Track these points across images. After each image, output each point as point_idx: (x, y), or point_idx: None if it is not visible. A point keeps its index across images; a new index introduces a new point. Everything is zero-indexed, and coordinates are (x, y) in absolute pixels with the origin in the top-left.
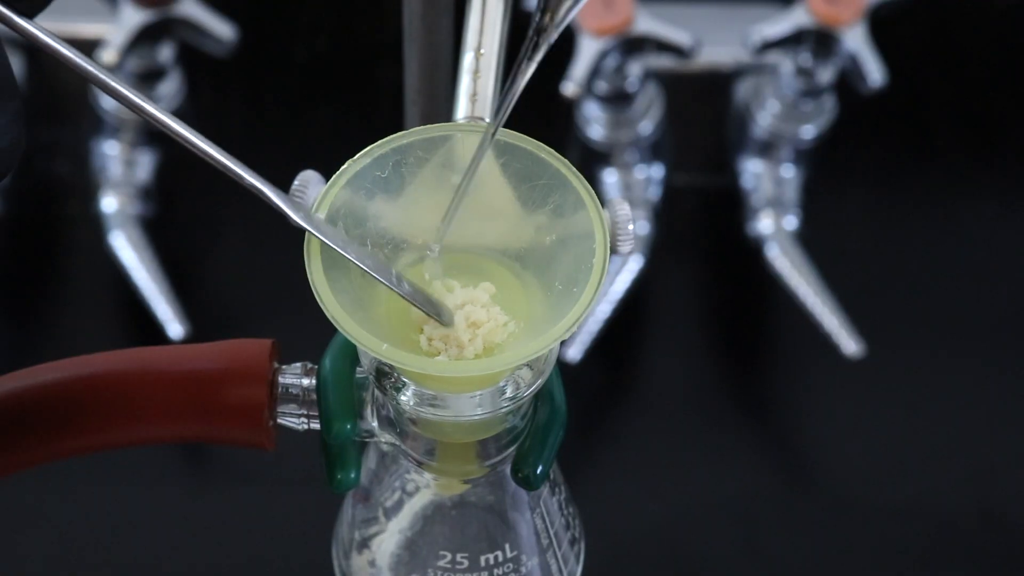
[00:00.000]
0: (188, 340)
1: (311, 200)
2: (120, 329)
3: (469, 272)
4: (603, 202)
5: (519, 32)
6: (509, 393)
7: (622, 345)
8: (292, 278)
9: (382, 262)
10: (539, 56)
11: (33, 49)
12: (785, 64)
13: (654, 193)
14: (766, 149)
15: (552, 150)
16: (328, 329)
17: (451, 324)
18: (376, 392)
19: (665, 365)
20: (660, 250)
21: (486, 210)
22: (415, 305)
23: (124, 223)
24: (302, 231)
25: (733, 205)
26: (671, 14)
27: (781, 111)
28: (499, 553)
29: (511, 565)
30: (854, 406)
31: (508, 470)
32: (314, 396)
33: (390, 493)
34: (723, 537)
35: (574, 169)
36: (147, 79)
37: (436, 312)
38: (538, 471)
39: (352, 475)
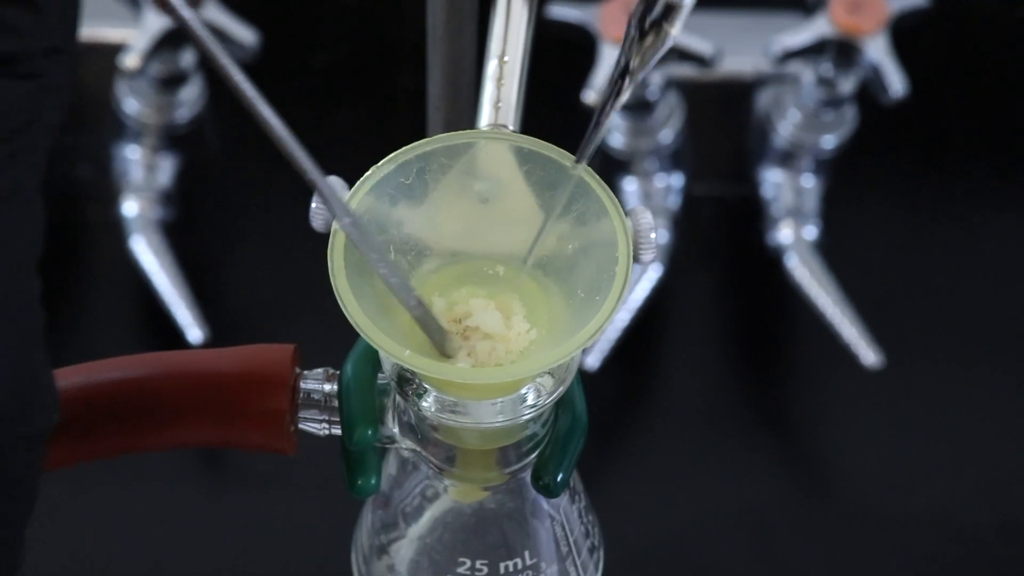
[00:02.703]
0: (207, 345)
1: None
2: (140, 333)
3: (491, 280)
4: (624, 211)
5: (543, 39)
6: (530, 400)
7: (640, 353)
8: (312, 283)
9: (405, 277)
10: (624, 98)
11: None
12: (806, 74)
13: (674, 202)
14: (786, 159)
15: (575, 158)
16: (348, 334)
17: (452, 356)
18: (397, 398)
19: (683, 374)
20: (679, 259)
21: (510, 218)
22: (422, 328)
23: (145, 227)
24: (321, 236)
25: (753, 215)
26: (692, 23)
27: (802, 121)
28: (518, 560)
29: (530, 572)
30: (872, 417)
31: (528, 477)
32: (335, 402)
33: (410, 499)
34: (740, 547)
35: (597, 177)
36: (169, 84)
37: (441, 342)
38: (559, 479)
39: (372, 481)
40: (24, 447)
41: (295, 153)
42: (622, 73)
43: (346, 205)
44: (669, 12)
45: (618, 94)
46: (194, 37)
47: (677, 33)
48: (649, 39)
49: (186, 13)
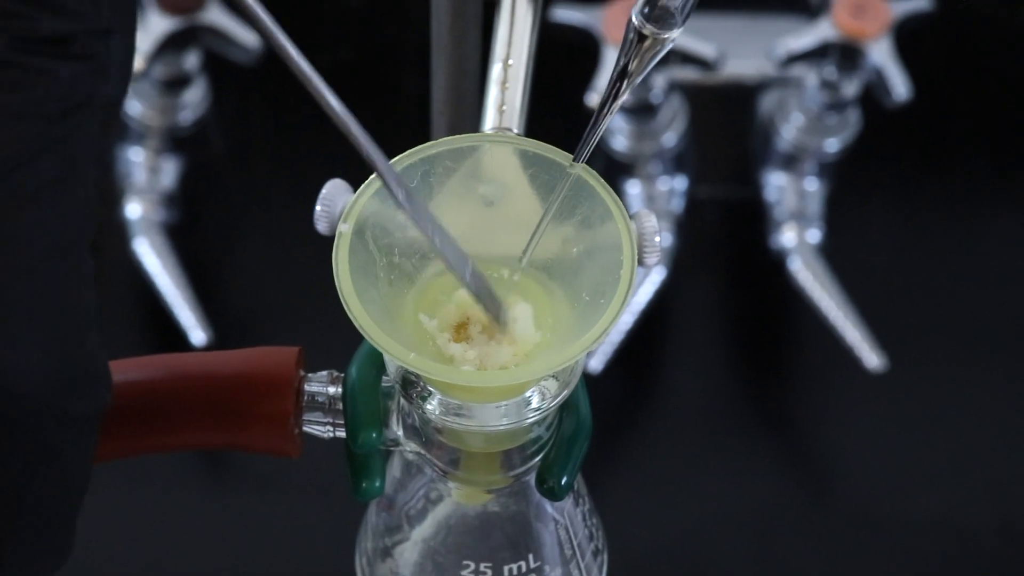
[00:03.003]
0: (211, 347)
1: (339, 209)
2: (143, 335)
3: (497, 283)
4: (628, 214)
5: (546, 42)
6: (535, 404)
7: (643, 356)
8: (315, 285)
9: (462, 253)
10: (622, 100)
11: None
12: (810, 77)
13: (677, 205)
14: (790, 162)
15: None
16: (351, 336)
17: (506, 325)
18: (402, 401)
19: (686, 376)
20: (683, 262)
21: (514, 221)
22: (478, 301)
23: (148, 229)
24: (325, 239)
25: (756, 218)
26: (696, 26)
27: (805, 124)
28: (522, 563)
29: (534, 575)
30: (875, 419)
31: (532, 480)
32: (340, 404)
33: (414, 502)
34: (743, 549)
35: (602, 181)
36: (172, 86)
37: (495, 311)
38: (563, 482)
39: (377, 484)
40: (75, 426)
41: (352, 129)
42: (620, 75)
43: (401, 178)
44: (668, 16)
45: (616, 96)
46: (258, 25)
47: (675, 37)
48: (647, 42)
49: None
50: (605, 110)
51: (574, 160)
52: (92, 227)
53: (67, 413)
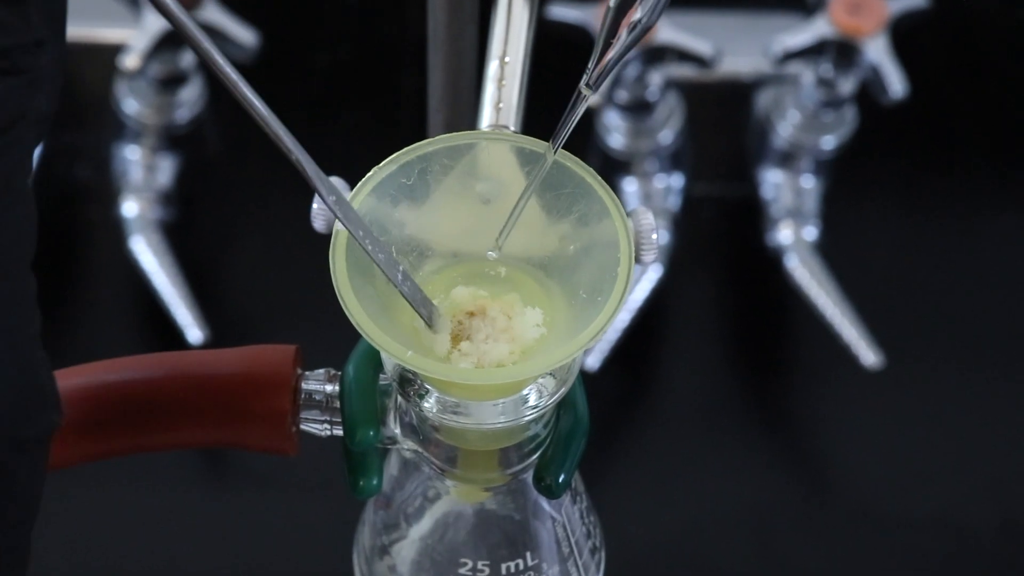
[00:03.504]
0: (207, 345)
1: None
2: (139, 333)
3: (493, 281)
4: (625, 211)
5: (542, 39)
6: (532, 401)
7: (640, 354)
8: (313, 283)
9: (393, 258)
10: (597, 88)
11: None
12: (806, 74)
13: (674, 202)
14: (786, 159)
15: (578, 159)
16: (348, 334)
17: (439, 331)
18: (399, 399)
19: (683, 374)
20: (679, 259)
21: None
22: (410, 304)
23: (144, 228)
24: (322, 237)
25: (753, 215)
26: (692, 24)
27: (802, 121)
28: (520, 561)
29: (532, 573)
30: (873, 417)
31: (530, 478)
32: (337, 402)
33: (412, 500)
34: (741, 547)
35: (599, 178)
36: (169, 84)
37: (428, 316)
38: (560, 480)
39: (374, 482)
40: (26, 450)
41: (280, 134)
42: (598, 60)
43: (330, 182)
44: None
45: (595, 83)
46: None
47: (648, 21)
48: (623, 33)
49: (179, 14)
50: (579, 96)
51: (550, 144)
52: (33, 244)
53: (18, 438)
